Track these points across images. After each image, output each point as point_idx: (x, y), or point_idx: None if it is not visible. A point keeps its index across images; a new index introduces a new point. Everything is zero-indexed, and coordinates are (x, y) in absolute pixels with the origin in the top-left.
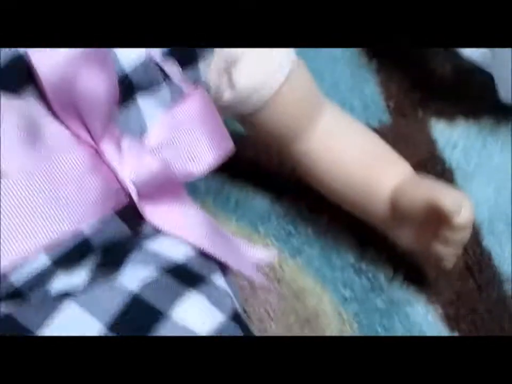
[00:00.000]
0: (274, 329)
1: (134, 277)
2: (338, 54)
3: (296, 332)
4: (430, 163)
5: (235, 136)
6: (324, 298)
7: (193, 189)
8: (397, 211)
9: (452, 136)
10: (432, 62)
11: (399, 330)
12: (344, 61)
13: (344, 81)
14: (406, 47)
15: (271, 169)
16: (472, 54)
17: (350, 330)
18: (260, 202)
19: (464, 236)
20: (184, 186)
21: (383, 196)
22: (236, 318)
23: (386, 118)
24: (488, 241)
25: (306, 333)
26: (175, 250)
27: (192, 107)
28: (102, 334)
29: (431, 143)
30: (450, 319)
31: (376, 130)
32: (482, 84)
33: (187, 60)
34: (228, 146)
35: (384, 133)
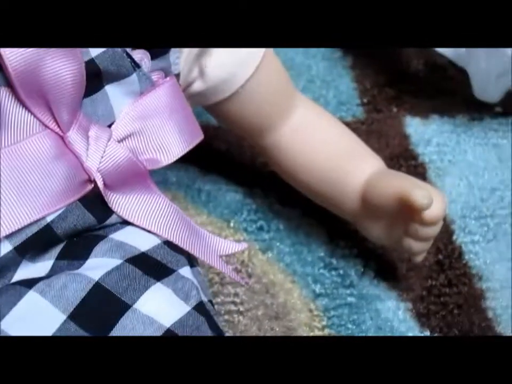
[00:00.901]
0: (242, 322)
1: (98, 266)
2: (314, 50)
3: (265, 325)
4: (403, 158)
5: (208, 128)
6: (294, 293)
7: (165, 181)
8: (368, 205)
9: (425, 133)
10: (406, 58)
11: (369, 326)
12: (319, 57)
13: (320, 77)
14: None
15: (244, 163)
16: (446, 50)
17: (320, 325)
18: (231, 195)
19: (435, 230)
20: (153, 177)
21: (354, 189)
22: (201, 309)
23: (360, 113)
24: (460, 237)
25: (275, 327)
26: (141, 241)
27: (161, 96)
28: (62, 323)
29: (404, 139)
30: (420, 315)
31: (350, 125)
32: (456, 80)
33: (157, 50)
34: (197, 136)
35: (358, 128)
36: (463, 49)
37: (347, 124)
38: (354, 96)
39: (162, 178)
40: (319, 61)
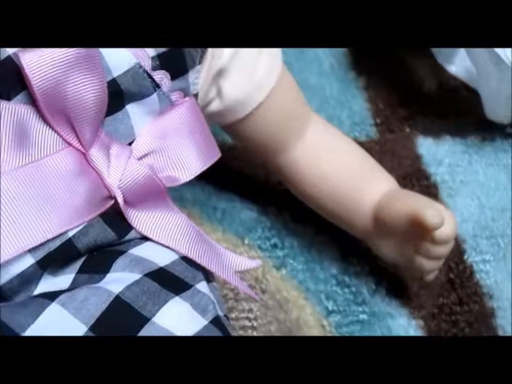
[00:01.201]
0: None
1: (118, 280)
2: (328, 70)
3: None
4: (415, 178)
5: (223, 147)
6: (306, 310)
7: (181, 199)
8: (380, 224)
9: (438, 153)
10: (419, 79)
11: None
12: (333, 78)
13: (334, 97)
14: (393, 62)
15: (258, 181)
16: (458, 71)
17: None
18: (246, 213)
19: (446, 249)
20: (170, 194)
21: (367, 208)
22: (217, 323)
23: (373, 133)
24: (471, 256)
25: None
26: (159, 256)
27: (180, 116)
28: (83, 335)
29: (416, 159)
30: (431, 332)
31: (363, 145)
32: (468, 101)
33: (177, 70)
34: (215, 154)
35: (371, 148)
36: (474, 70)
37: (361, 144)
38: (368, 116)
39: (178, 195)
40: (333, 81)
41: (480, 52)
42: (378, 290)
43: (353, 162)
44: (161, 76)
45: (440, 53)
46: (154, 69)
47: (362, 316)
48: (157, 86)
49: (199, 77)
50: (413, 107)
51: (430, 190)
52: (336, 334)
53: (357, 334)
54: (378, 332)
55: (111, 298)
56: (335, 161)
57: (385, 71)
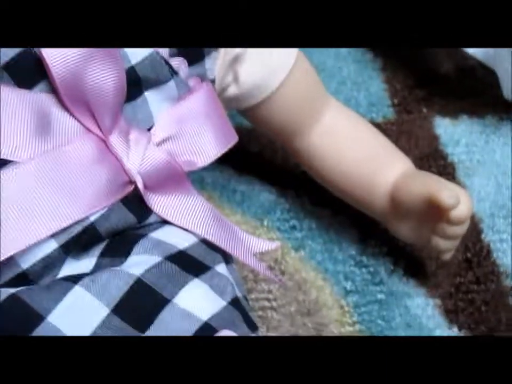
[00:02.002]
0: (275, 318)
1: (139, 263)
2: (345, 52)
3: (297, 321)
4: (432, 158)
5: (242, 131)
6: (325, 290)
7: (200, 182)
8: (397, 205)
9: (455, 133)
10: (436, 60)
11: (398, 322)
12: (350, 59)
13: (351, 79)
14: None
15: (277, 164)
16: (475, 51)
17: (350, 321)
18: (265, 196)
19: (462, 229)
20: (190, 178)
21: (383, 189)
22: (236, 304)
23: (391, 114)
24: (488, 236)
25: (307, 322)
26: (179, 239)
27: (198, 101)
28: (106, 316)
29: (434, 139)
30: (449, 312)
31: (380, 126)
32: (485, 80)
33: (194, 56)
34: (232, 138)
35: (388, 129)
36: (491, 50)
37: (377, 125)
38: (385, 97)
39: (198, 179)
40: (350, 63)
41: None
42: (396, 270)
43: (369, 144)
44: (178, 63)
45: None
46: (171, 55)
47: (380, 296)
48: (174, 72)
49: (215, 63)
50: (430, 88)
51: (447, 170)
52: (355, 314)
53: (374, 314)
54: (396, 311)
55: (132, 281)
56: (352, 143)
57: (402, 52)
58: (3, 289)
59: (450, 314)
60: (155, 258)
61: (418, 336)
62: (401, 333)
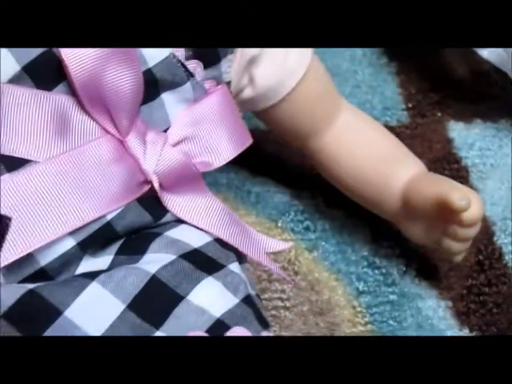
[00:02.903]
0: (288, 317)
1: (154, 261)
2: (360, 56)
3: (310, 321)
4: (445, 161)
5: (257, 132)
6: (338, 291)
7: (216, 183)
8: (408, 207)
9: (469, 137)
10: (450, 64)
11: (410, 323)
12: (365, 63)
13: (366, 82)
14: (424, 48)
15: (291, 165)
16: (489, 55)
17: (363, 321)
18: (279, 197)
19: (473, 231)
20: (205, 178)
21: (395, 191)
22: (248, 301)
23: (405, 117)
24: (500, 239)
25: (320, 322)
26: (193, 238)
27: (213, 104)
28: (122, 312)
29: (447, 143)
30: (460, 313)
31: (394, 129)
32: (500, 84)
33: (210, 59)
34: (247, 140)
35: (403, 132)
36: (505, 55)
37: (392, 128)
38: (399, 101)
39: (213, 180)
40: (365, 67)
41: None
42: (408, 271)
43: (382, 147)
44: (194, 65)
45: None
46: (188, 58)
47: (392, 297)
48: (190, 75)
49: (231, 66)
50: (444, 92)
51: (460, 173)
52: (367, 314)
53: (386, 314)
54: (407, 312)
55: (148, 278)
56: (364, 146)
57: (416, 56)
58: (22, 285)
59: (462, 316)
60: (170, 256)
61: (428, 336)
62: (413, 333)
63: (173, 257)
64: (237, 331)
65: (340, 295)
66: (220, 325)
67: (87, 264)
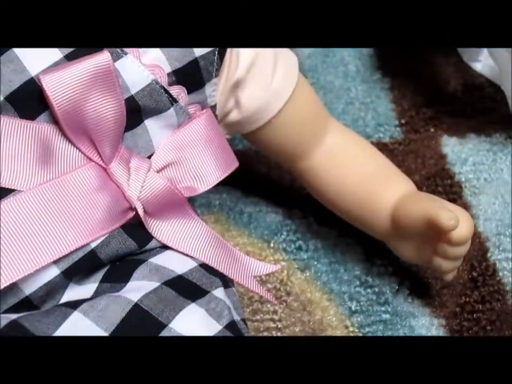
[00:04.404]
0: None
1: (137, 289)
2: (353, 73)
3: None
4: (439, 177)
5: (249, 153)
6: (330, 311)
7: (208, 204)
8: (398, 226)
9: (462, 152)
10: (444, 78)
11: None
12: (359, 79)
13: (359, 99)
14: (418, 62)
15: (283, 185)
16: (483, 69)
17: None
18: (272, 217)
19: (463, 250)
20: (197, 200)
21: (384, 211)
22: (232, 327)
23: (398, 134)
24: (494, 255)
25: None
26: (178, 264)
27: (198, 128)
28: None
29: (441, 158)
30: (454, 331)
31: (388, 145)
32: (493, 98)
33: (194, 84)
34: (232, 164)
35: (395, 149)
36: (495, 68)
37: (385, 145)
38: (392, 117)
39: (206, 201)
40: (358, 83)
41: (502, 50)
42: (401, 290)
43: (371, 166)
44: (178, 91)
45: (465, 51)
46: (170, 84)
47: (385, 316)
48: (174, 101)
49: (216, 89)
50: (438, 107)
51: (453, 189)
52: (359, 334)
53: (379, 334)
54: (400, 331)
55: (130, 306)
56: (353, 165)
57: (410, 71)
58: (4, 315)
59: (455, 334)
60: (153, 284)
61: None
62: None
63: (156, 284)
64: None
65: (332, 315)
66: None
67: (72, 292)
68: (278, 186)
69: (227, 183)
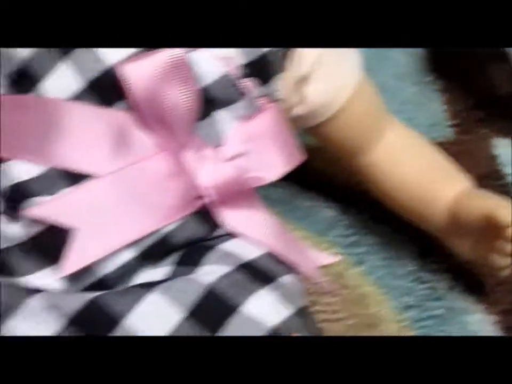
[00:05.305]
0: (336, 329)
1: (210, 273)
2: (406, 73)
3: (357, 334)
4: (490, 178)
5: (306, 149)
6: (384, 305)
7: (265, 198)
8: (455, 222)
9: None
10: (495, 81)
11: None
12: (411, 81)
13: (412, 100)
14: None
15: (339, 181)
16: None
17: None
18: (327, 212)
19: None
20: (256, 193)
21: (442, 207)
22: (301, 313)
23: (450, 134)
24: None
25: (367, 335)
26: (247, 251)
27: (265, 120)
28: (179, 322)
29: (492, 159)
30: (507, 328)
31: (440, 146)
32: None
33: (263, 77)
34: (298, 156)
35: (448, 149)
36: None
37: (438, 145)
38: (445, 118)
39: (262, 195)
40: (411, 84)
41: None
42: (455, 286)
43: (429, 163)
44: (248, 83)
45: None
46: (242, 76)
47: (438, 311)
48: (244, 93)
49: (282, 84)
50: (489, 109)
51: (505, 189)
52: (413, 328)
53: (433, 328)
54: (453, 326)
55: (204, 289)
56: (413, 162)
57: (461, 74)
58: (82, 294)
59: (509, 330)
60: (225, 268)
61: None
62: None
63: (228, 269)
64: None
65: (387, 309)
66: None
67: (145, 275)
68: (333, 182)
69: (283, 179)
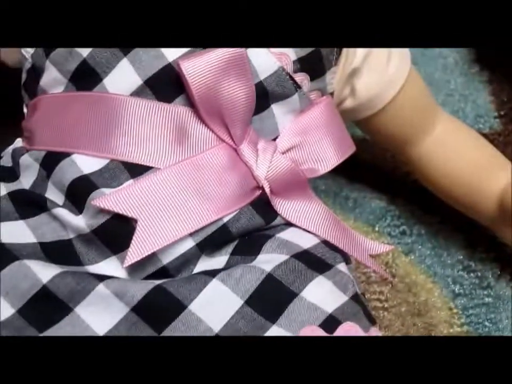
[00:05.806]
0: (387, 317)
1: (268, 261)
2: (452, 65)
3: (408, 321)
4: None
5: (354, 140)
6: (434, 293)
7: (315, 189)
8: (504, 211)
9: None
10: None
11: (505, 325)
12: (457, 72)
13: (458, 91)
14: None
15: (387, 172)
16: None
17: (459, 322)
18: (376, 203)
19: None
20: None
21: (492, 196)
22: (357, 299)
23: (497, 125)
24: None
25: (417, 323)
26: (303, 240)
27: (319, 113)
28: (240, 307)
29: None
30: None
31: (487, 136)
32: None
33: (316, 72)
34: (350, 147)
35: (495, 139)
36: None
37: (484, 136)
38: (491, 109)
39: (312, 186)
40: (457, 76)
41: None
42: (503, 275)
43: (479, 153)
44: (301, 78)
45: None
46: (295, 71)
47: (487, 299)
48: (298, 87)
49: (334, 77)
50: None
51: None
52: (463, 316)
53: (482, 316)
54: (503, 314)
55: (264, 276)
56: (463, 152)
57: (508, 65)
58: (149, 281)
59: None
60: (283, 257)
61: None
62: (508, 334)
63: (286, 257)
64: (347, 326)
65: (437, 297)
66: (331, 320)
67: (204, 263)
68: (382, 173)
69: (333, 170)
